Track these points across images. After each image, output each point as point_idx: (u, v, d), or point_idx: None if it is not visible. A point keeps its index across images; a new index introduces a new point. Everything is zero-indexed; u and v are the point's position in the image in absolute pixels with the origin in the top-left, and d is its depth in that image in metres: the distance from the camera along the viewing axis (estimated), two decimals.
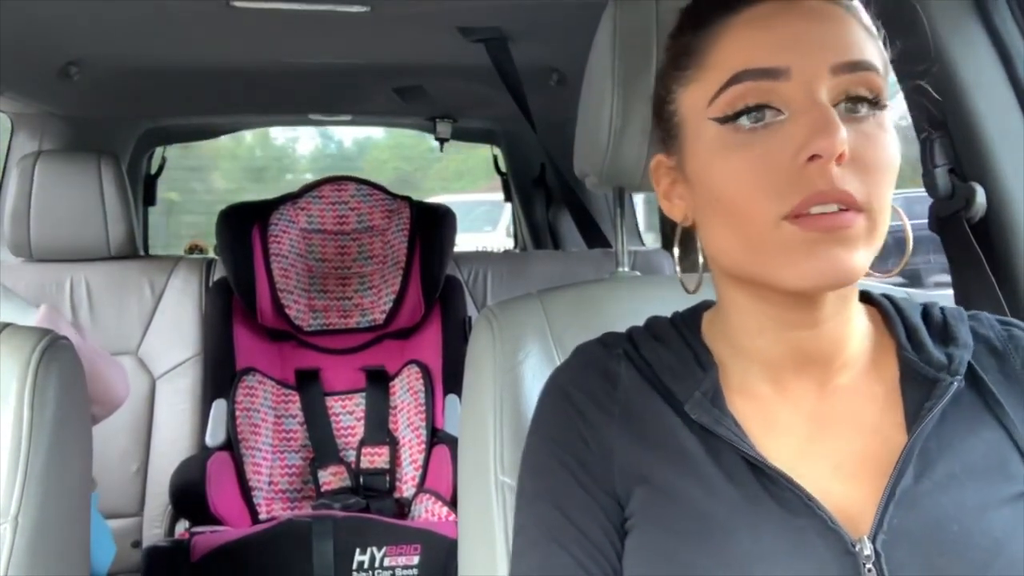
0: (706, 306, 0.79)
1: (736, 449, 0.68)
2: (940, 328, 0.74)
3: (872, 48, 0.65)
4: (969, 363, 0.71)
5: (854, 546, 0.63)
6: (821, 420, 0.70)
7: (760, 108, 0.63)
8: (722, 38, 0.66)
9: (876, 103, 0.64)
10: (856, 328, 0.72)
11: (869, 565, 0.63)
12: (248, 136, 8.01)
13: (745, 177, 0.63)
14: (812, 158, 0.61)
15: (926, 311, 0.76)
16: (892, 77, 0.72)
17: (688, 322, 0.77)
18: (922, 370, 0.70)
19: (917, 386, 0.70)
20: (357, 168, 6.89)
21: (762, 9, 0.65)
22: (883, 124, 0.64)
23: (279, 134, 7.76)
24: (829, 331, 0.69)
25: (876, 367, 0.72)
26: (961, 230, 1.13)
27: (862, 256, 0.62)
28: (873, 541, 0.63)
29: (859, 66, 0.63)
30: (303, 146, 7.85)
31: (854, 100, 0.63)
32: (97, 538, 1.57)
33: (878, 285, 0.83)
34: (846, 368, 0.71)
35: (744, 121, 0.64)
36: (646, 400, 0.72)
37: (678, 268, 0.82)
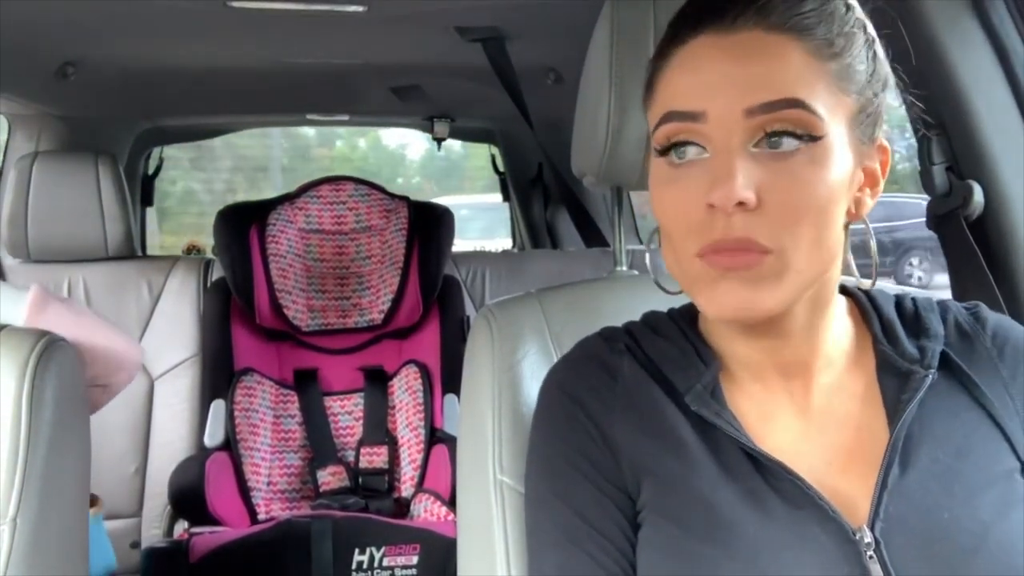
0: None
1: (735, 442, 0.69)
2: (912, 320, 0.76)
3: (808, 80, 0.64)
4: (943, 351, 0.73)
5: (855, 534, 0.65)
6: (810, 417, 0.72)
7: (684, 144, 0.66)
8: (665, 73, 0.69)
9: (809, 136, 0.64)
10: (834, 329, 0.73)
11: (870, 552, 0.64)
12: (362, 142, 8.12)
13: (671, 212, 0.67)
14: (710, 206, 0.64)
15: (899, 303, 0.78)
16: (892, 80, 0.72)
17: (686, 317, 0.78)
18: (896, 363, 0.72)
19: (893, 378, 0.72)
20: (462, 171, 6.94)
21: (696, 45, 0.67)
22: (816, 158, 0.64)
23: (391, 140, 7.90)
24: (802, 340, 0.71)
25: (856, 362, 0.74)
26: (959, 228, 1.13)
27: (771, 293, 0.64)
28: (872, 529, 0.65)
29: (776, 105, 0.63)
30: (413, 151, 8.00)
31: (779, 134, 0.64)
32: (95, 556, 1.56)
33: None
34: (828, 367, 0.73)
35: (673, 156, 0.67)
36: (647, 393, 0.73)
37: (652, 274, 0.83)
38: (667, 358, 0.74)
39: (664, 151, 0.67)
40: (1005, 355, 0.74)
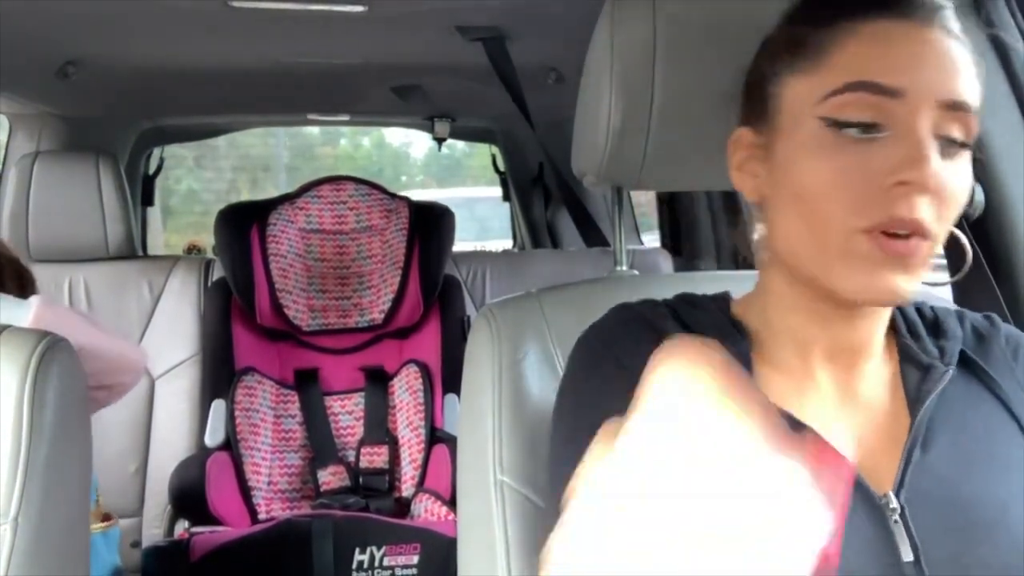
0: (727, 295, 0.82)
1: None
2: (932, 322, 0.79)
3: (974, 90, 0.67)
4: (961, 350, 0.76)
5: (881, 499, 0.68)
6: (844, 400, 0.74)
7: (870, 125, 0.65)
8: (843, 42, 0.67)
9: (964, 144, 0.67)
10: (884, 321, 0.76)
11: (895, 517, 0.67)
12: (366, 140, 8.14)
13: (834, 181, 0.65)
14: (900, 184, 0.63)
15: (918, 308, 0.81)
16: None
17: (718, 301, 0.80)
18: (918, 356, 0.75)
19: (915, 371, 0.75)
20: (465, 169, 6.95)
21: (886, 24, 0.66)
22: (963, 165, 0.67)
23: (394, 138, 7.90)
24: (863, 326, 0.73)
25: (885, 353, 0.77)
26: (959, 228, 1.13)
27: (916, 280, 0.66)
28: (897, 496, 0.68)
29: (961, 107, 0.65)
30: (416, 150, 8.01)
31: (946, 138, 0.66)
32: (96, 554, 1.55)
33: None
34: (872, 356, 0.75)
35: (851, 131, 0.65)
36: None
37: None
38: (703, 326, 0.75)
39: (837, 123, 0.65)
40: (1019, 356, 0.77)
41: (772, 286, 0.75)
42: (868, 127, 0.65)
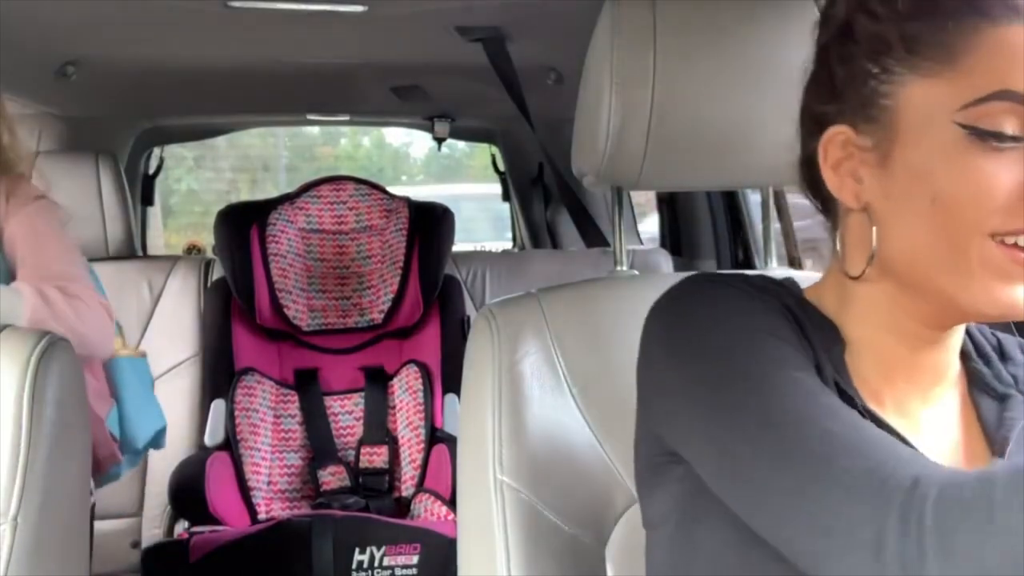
0: (788, 279, 0.77)
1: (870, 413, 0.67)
2: (997, 349, 0.77)
3: None
4: None
5: None
6: (918, 424, 0.71)
7: (1013, 136, 0.63)
8: (985, 46, 0.64)
9: None
10: (960, 344, 0.74)
11: None
12: (366, 140, 8.12)
13: (980, 189, 0.63)
14: None
15: (980, 331, 0.79)
16: None
17: (791, 290, 0.75)
18: (992, 383, 0.73)
19: (989, 400, 0.73)
20: (465, 169, 6.95)
21: (1015, 29, 0.64)
22: None
23: (394, 138, 7.88)
24: (949, 349, 0.72)
25: (956, 378, 0.74)
26: None
27: None
28: None
29: None
30: (416, 150, 7.99)
31: None
32: (143, 408, 1.58)
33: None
34: (946, 381, 0.73)
35: (992, 140, 0.63)
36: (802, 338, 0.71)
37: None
38: (808, 319, 0.72)
39: (983, 132, 0.63)
40: None
41: (868, 298, 0.71)
42: (1011, 137, 0.63)
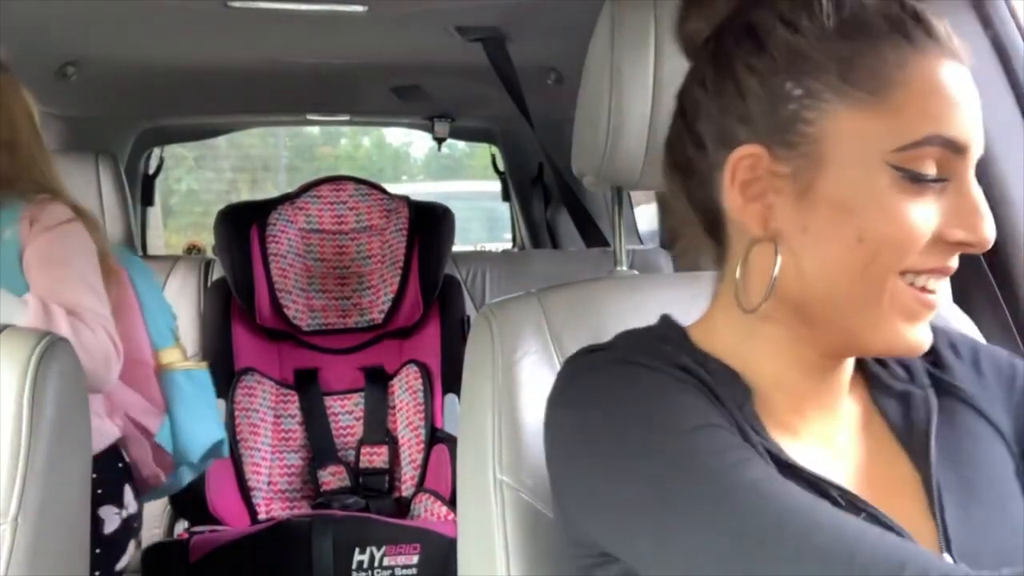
0: (668, 323, 0.74)
1: (794, 470, 0.64)
2: None
3: None
4: (926, 367, 0.73)
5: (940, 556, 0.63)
6: (831, 445, 0.69)
7: (940, 179, 0.63)
8: (915, 82, 0.62)
9: None
10: None
11: None
12: (366, 140, 8.11)
13: (907, 227, 0.62)
14: (961, 243, 0.63)
15: None
16: None
17: (677, 338, 0.72)
18: (890, 383, 0.72)
19: (892, 400, 0.71)
20: (465, 169, 6.95)
21: (950, 71, 0.63)
22: None
23: (394, 138, 7.86)
24: (846, 369, 0.71)
25: (852, 384, 0.72)
26: None
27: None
28: (951, 554, 0.64)
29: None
30: (416, 149, 7.98)
31: None
32: (198, 419, 1.58)
33: None
34: (846, 392, 0.71)
35: (922, 183, 0.62)
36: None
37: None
38: (710, 374, 0.67)
39: (913, 175, 0.61)
40: (980, 362, 0.74)
41: (768, 336, 0.68)
42: (933, 180, 0.62)
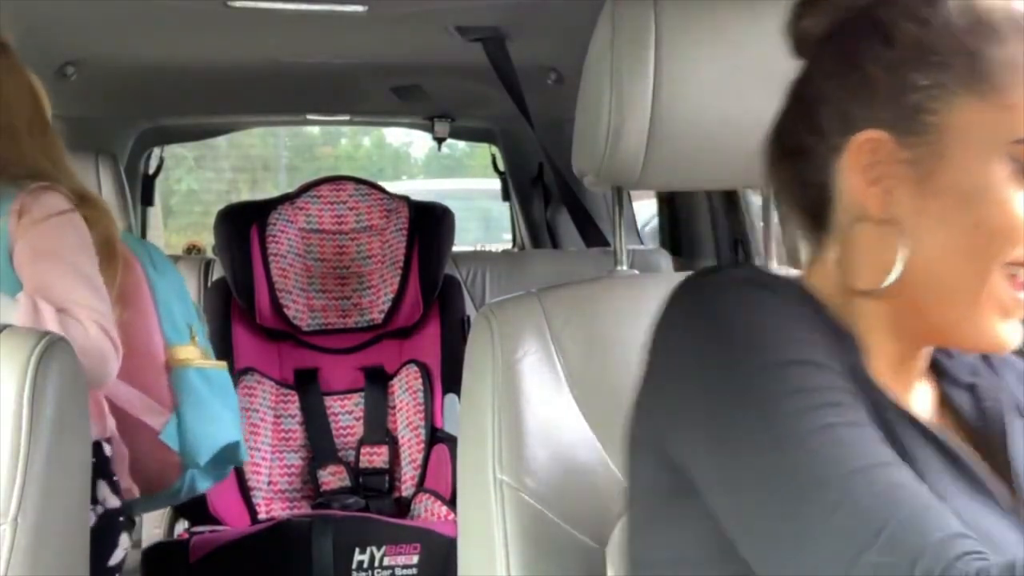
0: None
1: (911, 424, 0.66)
2: None
3: None
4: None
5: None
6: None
7: None
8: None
9: None
10: None
11: None
12: (366, 140, 8.12)
13: (1020, 216, 0.63)
14: None
15: None
16: None
17: (801, 292, 0.72)
18: (957, 374, 0.74)
19: (958, 390, 0.73)
20: (465, 169, 6.96)
21: None
22: None
23: (394, 138, 7.86)
24: (925, 355, 0.72)
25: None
26: None
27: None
28: None
29: None
30: (416, 149, 7.99)
31: None
32: (208, 420, 1.51)
33: None
34: (921, 384, 0.73)
35: None
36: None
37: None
38: (827, 328, 0.68)
39: None
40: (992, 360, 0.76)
41: (872, 313, 0.69)
42: None
